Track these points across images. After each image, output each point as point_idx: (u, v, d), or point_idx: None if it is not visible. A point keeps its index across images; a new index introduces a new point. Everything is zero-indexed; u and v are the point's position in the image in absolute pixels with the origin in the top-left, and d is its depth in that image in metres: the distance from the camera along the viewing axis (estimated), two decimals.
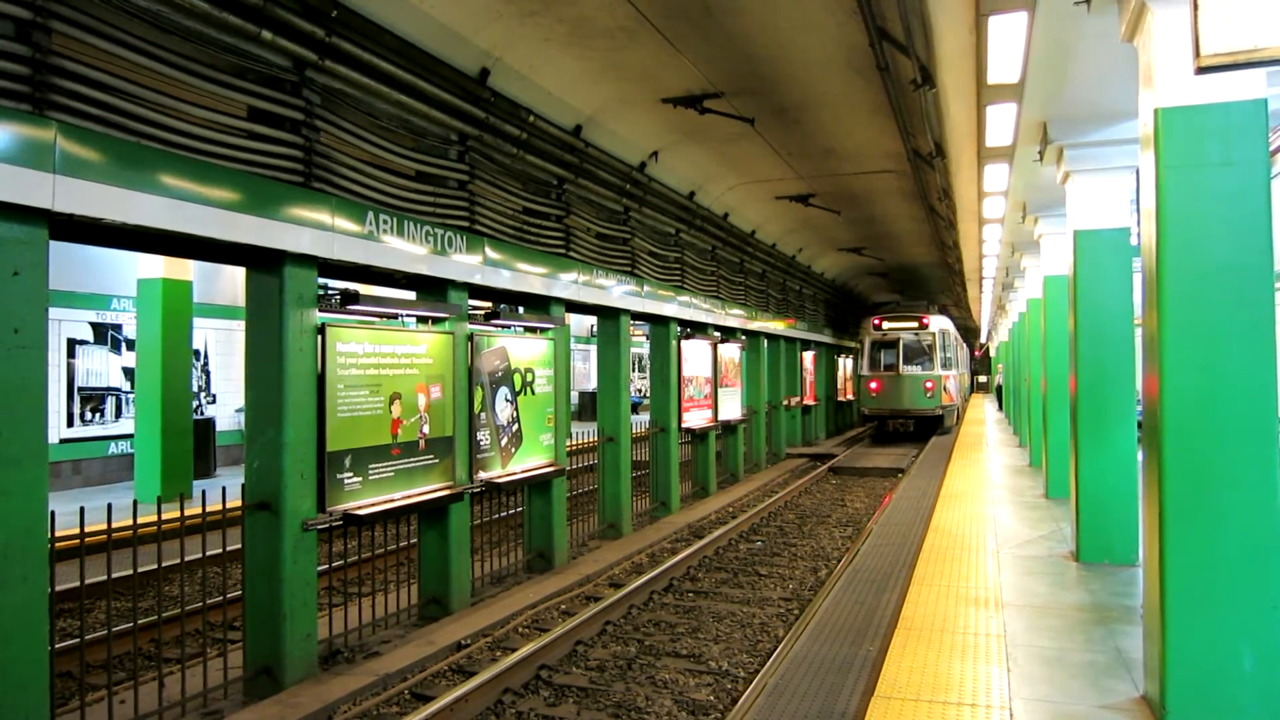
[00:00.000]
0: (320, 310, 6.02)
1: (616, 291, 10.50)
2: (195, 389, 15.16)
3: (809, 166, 13.09)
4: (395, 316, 6.98)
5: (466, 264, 7.50)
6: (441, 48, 7.06)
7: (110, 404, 14.24)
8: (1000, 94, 6.82)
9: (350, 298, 6.31)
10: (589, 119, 9.43)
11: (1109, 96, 6.59)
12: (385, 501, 6.44)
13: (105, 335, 14.19)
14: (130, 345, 14.07)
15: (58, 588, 4.85)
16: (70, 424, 13.59)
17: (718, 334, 14.73)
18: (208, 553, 5.81)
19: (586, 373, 31.28)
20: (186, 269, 12.95)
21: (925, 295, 31.49)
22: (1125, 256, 7.36)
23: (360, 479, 6.25)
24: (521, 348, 8.54)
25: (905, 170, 12.91)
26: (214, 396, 16.11)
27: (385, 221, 6.51)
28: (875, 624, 6.48)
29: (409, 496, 6.70)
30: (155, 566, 7.10)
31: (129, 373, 14.21)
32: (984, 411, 32.43)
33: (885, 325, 24.42)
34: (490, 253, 7.86)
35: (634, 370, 32.55)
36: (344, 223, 6.10)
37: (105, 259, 13.73)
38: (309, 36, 5.84)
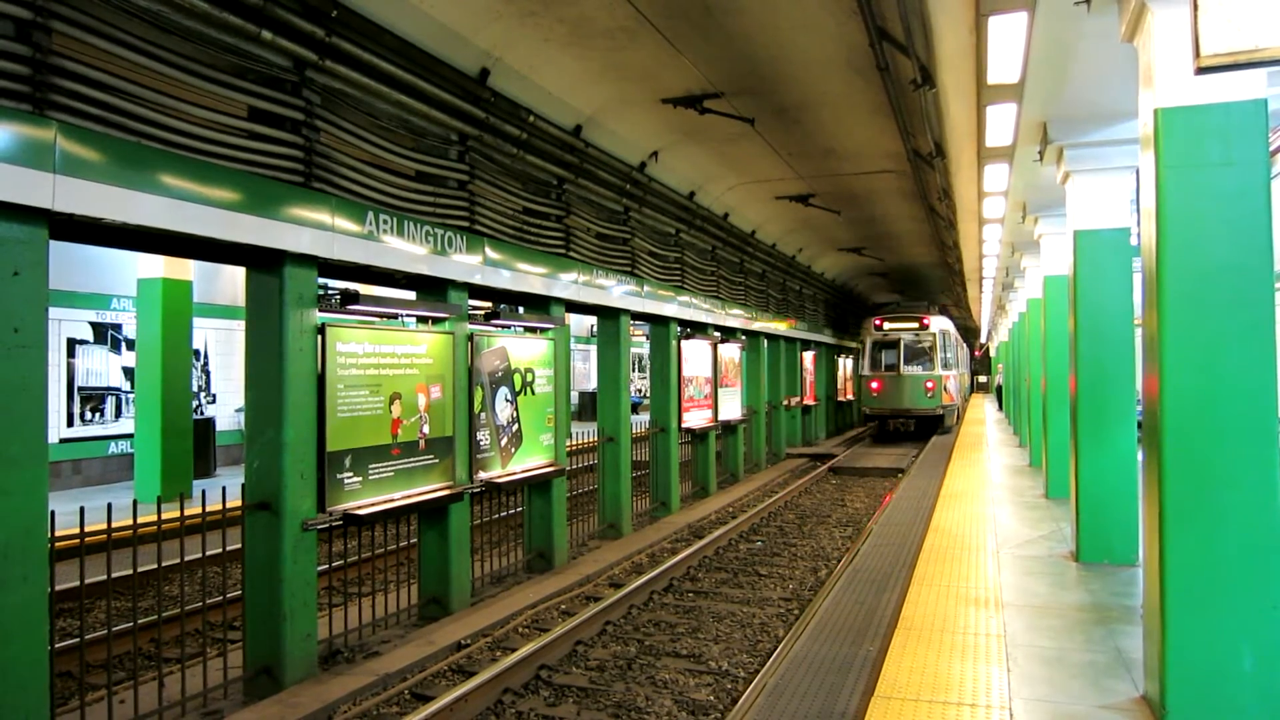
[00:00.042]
0: (320, 310, 6.02)
1: (616, 291, 10.50)
2: (195, 389, 15.16)
3: (809, 166, 13.10)
4: (395, 316, 6.98)
5: (466, 264, 7.50)
6: (441, 48, 7.06)
7: (110, 404, 14.24)
8: (1000, 94, 6.82)
9: (350, 298, 6.31)
10: (589, 119, 9.43)
11: (1109, 96, 6.59)
12: (385, 501, 6.44)
13: (105, 335, 14.19)
14: (130, 345, 14.07)
15: (58, 587, 4.85)
16: (70, 424, 13.59)
17: (718, 334, 14.73)
18: (208, 553, 5.81)
19: (586, 373, 31.28)
20: (186, 269, 12.95)
21: (925, 295, 31.59)
22: (1125, 256, 7.36)
23: (360, 479, 6.25)
24: (521, 348, 8.54)
25: (905, 170, 12.91)
26: (214, 396, 16.11)
27: (385, 221, 6.51)
28: (875, 624, 6.48)
29: (409, 496, 6.70)
30: (155, 566, 7.10)
31: (129, 372, 14.22)
32: (984, 411, 32.43)
33: (886, 326, 24.64)
34: (490, 253, 7.86)
35: (634, 370, 32.55)
36: (344, 223, 6.10)
37: (105, 259, 13.73)
38: (309, 36, 5.84)
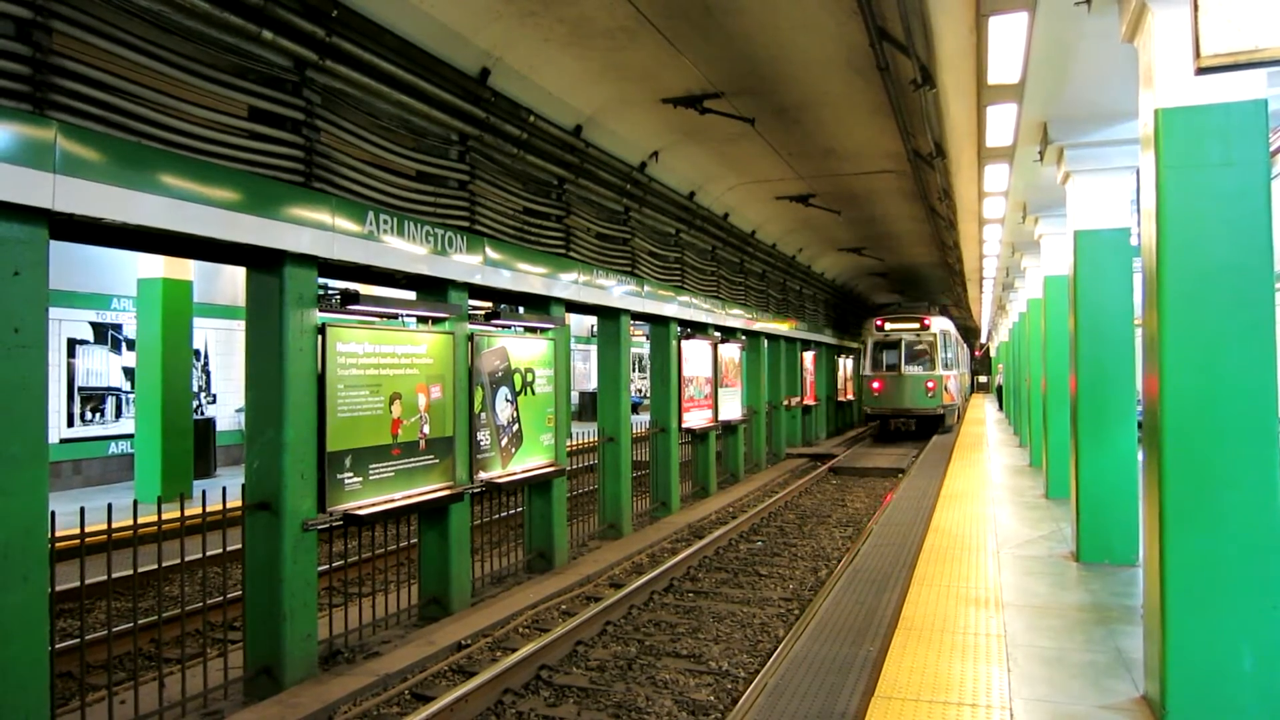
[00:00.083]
0: (320, 310, 6.02)
1: (616, 291, 10.50)
2: (195, 389, 15.16)
3: (809, 166, 13.09)
4: (395, 316, 6.98)
5: (467, 264, 7.50)
6: (442, 48, 7.06)
7: (110, 404, 14.24)
8: (1000, 94, 6.82)
9: (350, 298, 6.31)
10: (589, 119, 9.43)
11: (1109, 96, 6.59)
12: (385, 501, 6.44)
13: (105, 335, 14.19)
14: (130, 345, 14.07)
15: (58, 588, 4.85)
16: (70, 424, 13.59)
17: (718, 334, 14.73)
18: (208, 553, 5.81)
19: (586, 373, 31.28)
20: (186, 269, 12.95)
21: (926, 296, 31.73)
22: (1125, 256, 7.36)
23: (360, 479, 6.25)
24: (521, 348, 8.54)
25: (905, 170, 12.91)
26: (214, 396, 16.11)
27: (385, 221, 6.51)
28: (875, 624, 6.48)
29: (409, 496, 6.70)
30: (155, 566, 7.11)
31: (129, 373, 14.22)
32: (984, 411, 32.43)
33: (887, 326, 24.91)
34: (490, 253, 7.86)
35: (634, 370, 32.55)
36: (344, 223, 6.10)
37: (105, 259, 13.73)
38: (309, 36, 5.84)
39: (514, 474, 8.22)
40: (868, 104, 9.97)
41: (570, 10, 7.30)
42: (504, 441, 8.15)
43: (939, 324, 24.79)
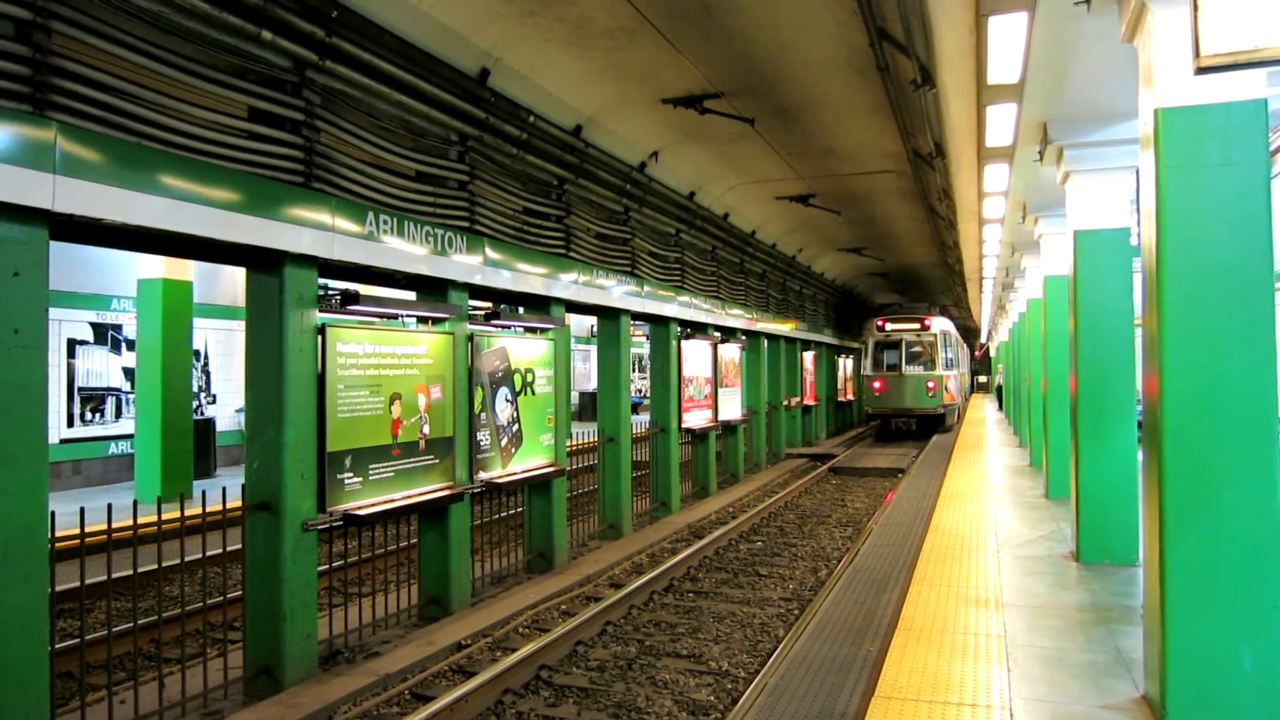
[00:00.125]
0: (320, 310, 6.02)
1: (616, 292, 10.50)
2: (195, 389, 15.16)
3: (809, 166, 13.10)
4: (395, 317, 6.98)
5: (466, 264, 7.50)
6: (441, 48, 7.06)
7: (110, 404, 14.24)
8: (1000, 94, 6.82)
9: (350, 298, 6.31)
10: (589, 119, 9.43)
11: (1109, 96, 6.59)
12: (385, 502, 6.44)
13: (105, 335, 14.19)
14: (130, 345, 14.07)
15: (58, 588, 4.85)
16: (70, 424, 13.59)
17: (718, 334, 14.73)
18: (208, 553, 5.81)
19: (586, 373, 31.28)
20: (186, 269, 12.95)
21: (925, 296, 31.84)
22: (1125, 256, 7.36)
23: (360, 479, 6.25)
24: (521, 348, 8.54)
25: (905, 170, 12.91)
26: (214, 396, 16.11)
27: (385, 222, 6.51)
28: (875, 624, 6.48)
29: (409, 497, 6.70)
30: (155, 567, 7.10)
31: (129, 373, 14.22)
32: (984, 412, 32.43)
33: (888, 326, 25.16)
34: (490, 253, 7.86)
35: (634, 370, 32.56)
36: (344, 223, 6.10)
37: (105, 259, 13.73)
38: (309, 37, 5.84)
39: (514, 474, 8.22)
40: (868, 104, 9.97)
41: (570, 10, 7.31)
42: (504, 441, 8.15)
43: (939, 324, 25.01)
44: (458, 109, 7.35)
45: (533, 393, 8.69)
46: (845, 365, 28.55)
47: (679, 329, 12.91)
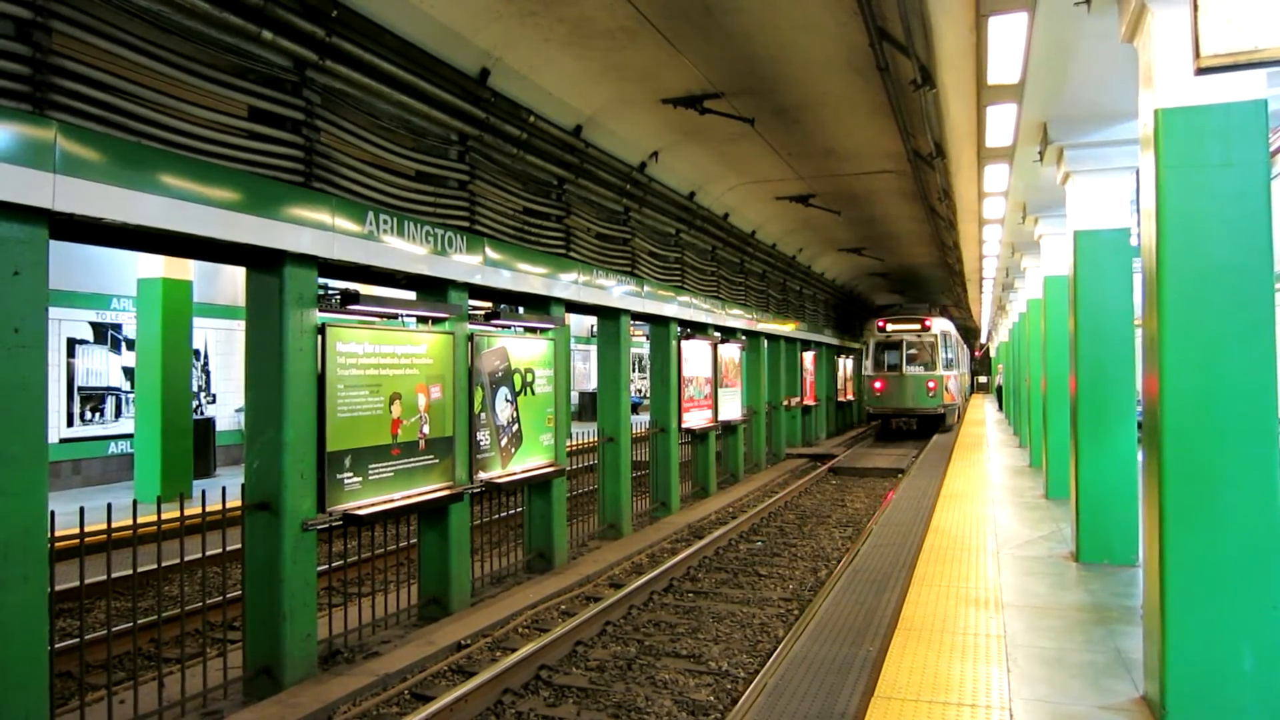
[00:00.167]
0: (320, 310, 6.02)
1: (616, 291, 10.50)
2: (195, 389, 15.16)
3: (809, 167, 13.10)
4: (395, 316, 6.98)
5: (466, 264, 7.50)
6: (441, 48, 7.06)
7: (110, 404, 14.24)
8: (1000, 94, 6.82)
9: (350, 298, 6.31)
10: (589, 119, 9.43)
11: (1109, 97, 6.59)
12: (385, 501, 6.44)
13: (105, 335, 14.19)
14: (130, 345, 14.07)
15: (58, 587, 4.85)
16: (70, 424, 13.59)
17: (718, 334, 14.73)
18: (208, 553, 5.81)
19: (586, 373, 31.28)
20: (186, 269, 12.95)
21: (926, 296, 31.94)
22: (1125, 257, 7.36)
23: (360, 479, 6.25)
24: (521, 348, 8.54)
25: (905, 170, 12.91)
26: (214, 396, 16.11)
27: (385, 221, 6.51)
28: (875, 624, 6.48)
29: (409, 497, 6.70)
30: (155, 566, 7.10)
31: (129, 372, 14.22)
32: (984, 412, 32.44)
33: (889, 327, 25.39)
34: (490, 253, 7.86)
35: (634, 370, 32.56)
36: (344, 223, 6.10)
37: (105, 259, 13.73)
38: (309, 36, 5.84)
39: (514, 474, 8.22)
40: (868, 104, 9.97)
41: (570, 10, 7.31)
42: (504, 441, 8.15)
43: (940, 325, 25.22)
44: (458, 109, 7.35)
45: (533, 393, 8.69)
46: (845, 365, 28.61)
47: (679, 329, 12.91)
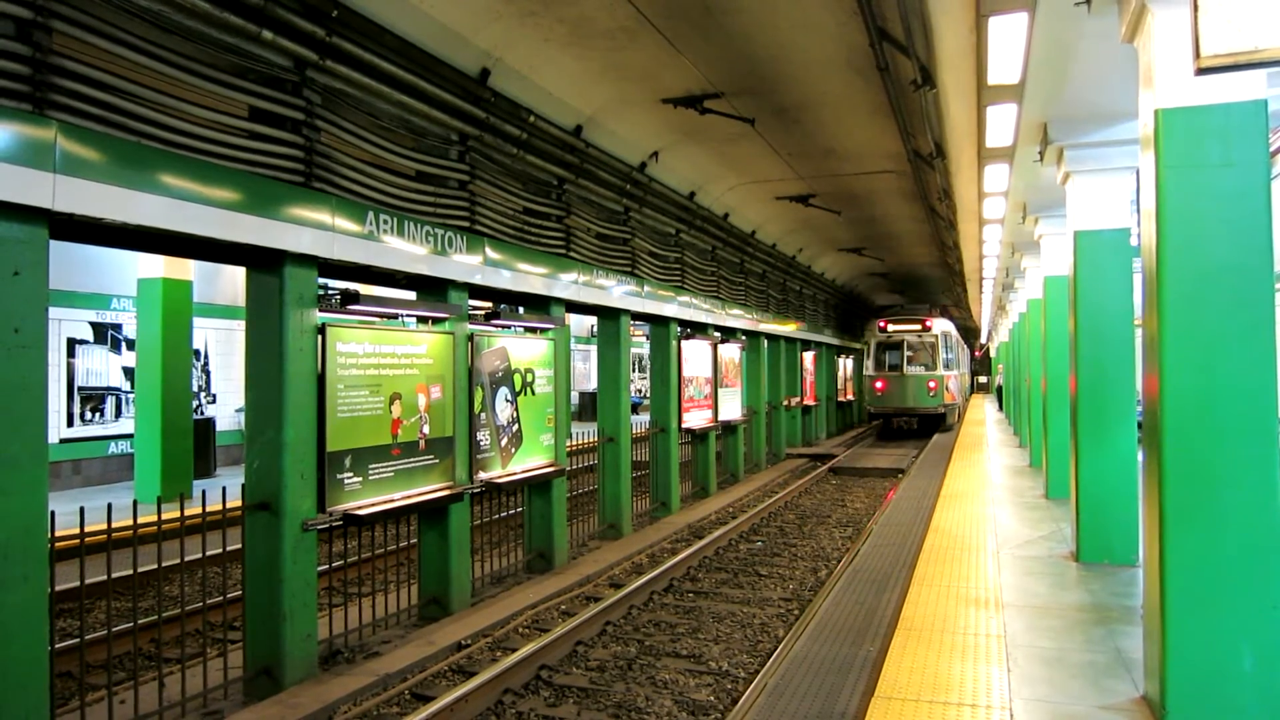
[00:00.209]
0: (320, 310, 6.02)
1: (616, 292, 10.50)
2: (195, 389, 15.16)
3: (809, 167, 13.10)
4: (395, 316, 6.98)
5: (467, 264, 7.50)
6: (442, 48, 7.06)
7: (110, 404, 14.24)
8: (1000, 94, 6.82)
9: (350, 298, 6.31)
10: (589, 119, 9.43)
11: (1109, 97, 6.59)
12: (385, 502, 6.44)
13: (105, 335, 14.19)
14: (130, 345, 14.07)
15: (58, 588, 4.85)
16: (70, 424, 13.59)
17: (718, 334, 14.73)
18: (208, 553, 5.81)
19: (586, 373, 31.28)
20: (186, 269, 12.95)
21: (926, 296, 32.06)
22: (1125, 257, 7.36)
23: (360, 479, 6.25)
24: (521, 348, 8.54)
25: (905, 170, 12.91)
26: (214, 396, 16.11)
27: (385, 221, 6.51)
28: (875, 624, 6.48)
29: (409, 497, 6.70)
30: (155, 566, 7.10)
31: (129, 372, 14.22)
32: (984, 412, 32.44)
33: (890, 327, 25.64)
34: (490, 253, 7.86)
35: (634, 370, 32.56)
36: (344, 223, 6.10)
37: (105, 259, 13.73)
38: (309, 36, 5.84)
39: (514, 474, 8.22)
40: (868, 104, 9.97)
41: (570, 10, 7.31)
42: (504, 442, 8.15)
43: (940, 325, 25.42)
44: (458, 109, 7.35)
45: (533, 393, 8.69)
46: (845, 365, 28.65)
47: (679, 329, 12.91)
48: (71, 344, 13.66)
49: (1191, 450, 4.10)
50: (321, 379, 5.93)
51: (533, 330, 8.89)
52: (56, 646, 4.74)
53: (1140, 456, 5.04)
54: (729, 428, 15.62)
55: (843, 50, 8.34)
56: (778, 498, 13.60)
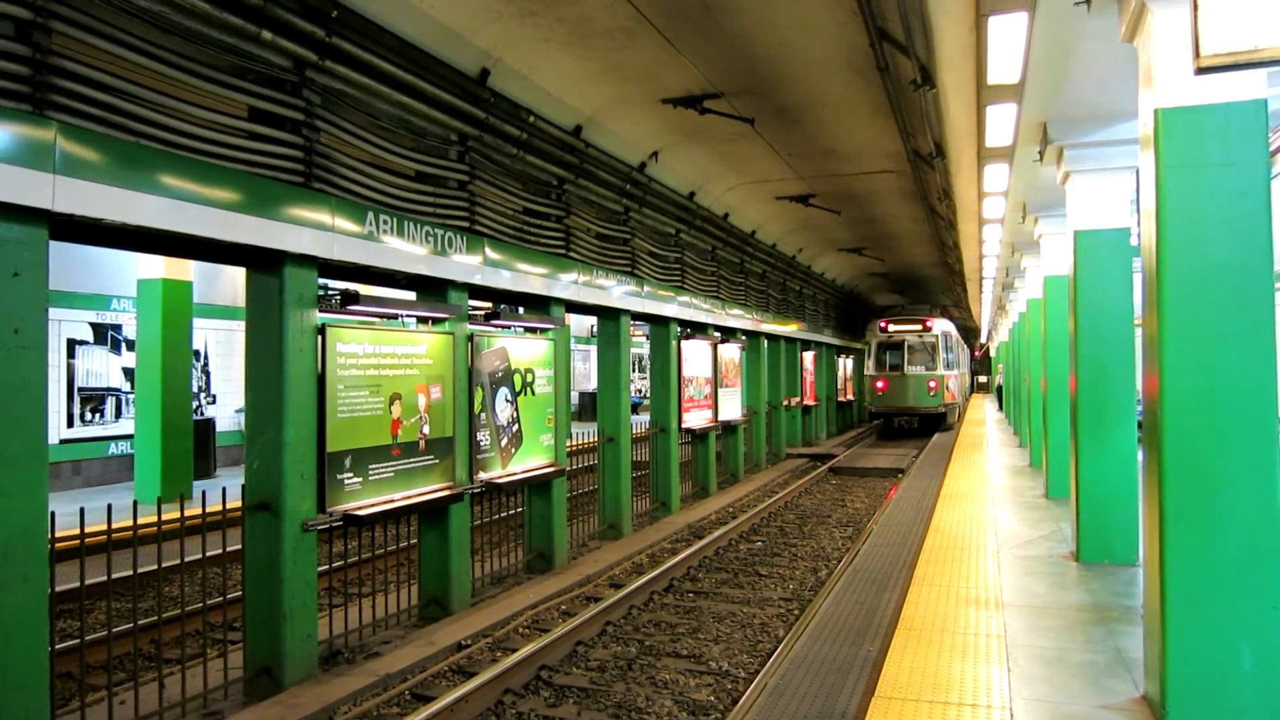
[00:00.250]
0: (320, 310, 6.02)
1: (616, 292, 10.50)
2: (195, 389, 15.16)
3: (809, 167, 13.10)
4: (395, 317, 6.98)
5: (466, 264, 7.50)
6: (441, 48, 7.06)
7: (110, 404, 14.24)
8: (1000, 94, 6.82)
9: (350, 298, 6.31)
10: (589, 119, 9.43)
11: (1109, 96, 6.59)
12: (385, 502, 6.44)
13: (105, 335, 14.19)
14: (130, 345, 14.07)
15: (58, 588, 4.85)
16: (70, 424, 13.59)
17: (718, 334, 14.73)
18: (208, 553, 5.81)
19: (586, 373, 31.28)
20: (186, 269, 12.95)
21: (926, 296, 32.13)
22: (1125, 256, 7.36)
23: (360, 479, 6.25)
24: (521, 348, 8.54)
25: (905, 170, 12.91)
26: (214, 397, 16.11)
27: (385, 222, 6.51)
28: (875, 624, 6.48)
29: (409, 497, 6.70)
30: (155, 567, 7.10)
31: (129, 373, 14.22)
32: (984, 411, 32.44)
33: (891, 328, 25.82)
34: (490, 253, 7.86)
35: (634, 370, 32.56)
36: (344, 223, 6.10)
37: (105, 259, 13.73)
38: (309, 37, 5.84)
39: (514, 474, 8.22)
40: (868, 104, 9.97)
41: (570, 10, 7.31)
42: (504, 442, 8.15)
43: (940, 325, 25.56)
44: (458, 109, 7.35)
45: (533, 393, 8.69)
46: (845, 365, 28.69)
47: (679, 329, 12.91)
48: (71, 344, 13.66)
49: (1191, 450, 4.10)
50: (321, 379, 5.93)
51: (532, 330, 8.89)
52: (57, 647, 4.75)
53: (1140, 456, 5.04)
54: (729, 428, 15.62)
55: (843, 50, 8.34)
56: (778, 498, 13.59)
